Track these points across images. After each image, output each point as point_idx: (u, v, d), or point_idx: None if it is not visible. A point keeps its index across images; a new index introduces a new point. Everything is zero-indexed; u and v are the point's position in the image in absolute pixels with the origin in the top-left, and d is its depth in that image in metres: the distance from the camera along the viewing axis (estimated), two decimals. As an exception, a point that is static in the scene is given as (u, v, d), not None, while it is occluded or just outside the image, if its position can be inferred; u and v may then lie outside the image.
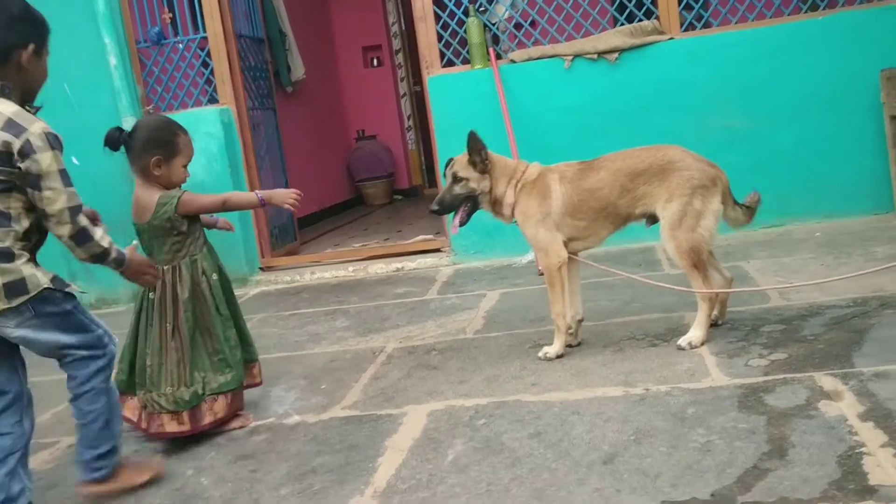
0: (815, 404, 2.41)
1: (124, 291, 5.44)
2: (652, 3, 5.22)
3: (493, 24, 5.55)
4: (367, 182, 9.57)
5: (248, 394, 3.10)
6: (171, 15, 5.92)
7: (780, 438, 2.22)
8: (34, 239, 2.32)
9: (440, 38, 5.45)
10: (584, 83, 5.20)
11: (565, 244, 3.19)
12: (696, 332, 3.09)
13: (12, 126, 2.17)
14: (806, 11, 5.10)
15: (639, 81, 5.13)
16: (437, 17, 5.44)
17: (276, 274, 5.79)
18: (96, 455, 2.43)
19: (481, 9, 5.50)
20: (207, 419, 2.86)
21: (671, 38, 5.13)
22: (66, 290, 2.32)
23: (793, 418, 2.34)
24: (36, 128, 2.19)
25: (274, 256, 6.06)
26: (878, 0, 5.01)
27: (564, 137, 5.10)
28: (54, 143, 2.22)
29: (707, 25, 5.30)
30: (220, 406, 2.88)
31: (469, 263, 5.38)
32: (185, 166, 2.92)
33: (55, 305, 2.30)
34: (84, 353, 2.38)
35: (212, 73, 5.84)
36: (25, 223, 2.26)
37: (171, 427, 2.82)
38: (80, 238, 2.27)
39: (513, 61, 5.32)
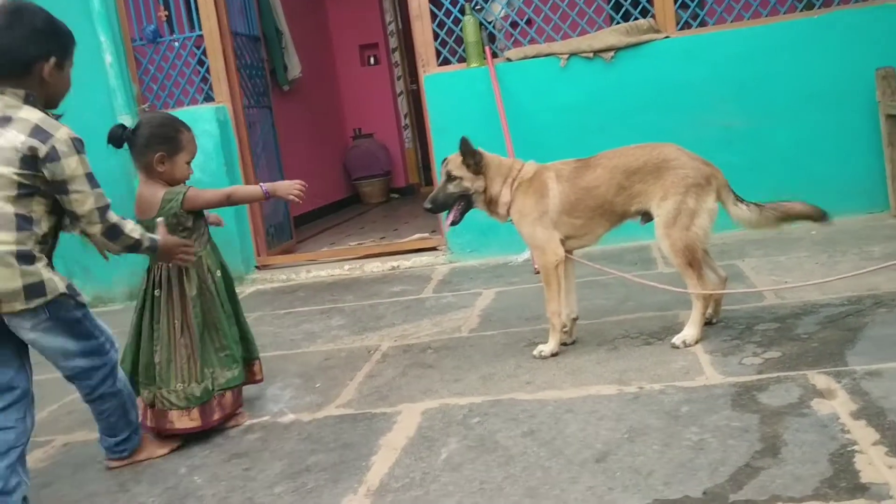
0: (808, 402, 2.41)
1: (120, 290, 5.44)
2: (648, 1, 5.22)
3: (490, 23, 5.55)
4: (363, 180, 9.56)
5: (244, 392, 3.10)
6: (166, 13, 5.91)
7: (772, 437, 2.22)
8: (50, 242, 2.42)
9: (436, 36, 5.45)
10: (579, 82, 5.20)
11: (562, 242, 3.20)
12: (690, 331, 3.09)
13: (39, 132, 2.27)
14: (802, 10, 5.10)
15: (635, 80, 5.13)
16: (434, 16, 5.43)
17: (272, 272, 5.79)
18: (117, 441, 2.67)
19: (477, 7, 5.50)
20: (217, 415, 2.87)
21: (667, 37, 5.14)
22: (78, 298, 2.43)
23: (786, 416, 2.34)
24: (61, 134, 2.30)
25: (270, 255, 6.06)
26: (873, -1, 5.02)
27: (560, 136, 5.10)
28: (79, 147, 2.32)
29: (703, 24, 5.31)
30: (227, 402, 2.90)
31: (465, 262, 5.38)
32: (188, 163, 2.93)
33: (68, 311, 2.40)
34: (85, 362, 2.49)
35: (207, 71, 5.83)
36: (45, 227, 2.35)
37: (182, 423, 2.81)
38: (112, 234, 2.43)
39: (509, 60, 5.32)
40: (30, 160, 2.26)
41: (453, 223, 3.30)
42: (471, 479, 2.24)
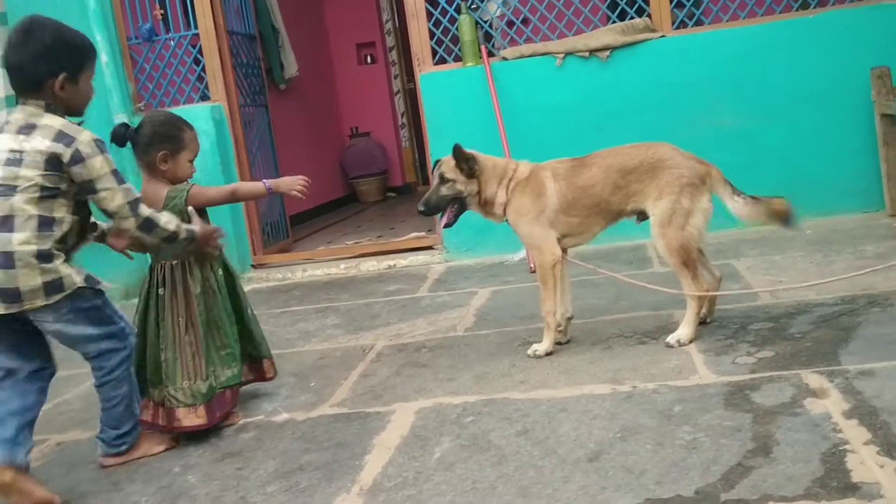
0: (800, 402, 2.42)
1: (116, 288, 5.41)
2: (644, 0, 5.22)
3: (485, 22, 5.55)
4: (360, 179, 9.56)
5: (245, 390, 3.13)
6: (162, 11, 5.91)
7: (765, 436, 2.23)
8: (71, 242, 2.53)
9: (432, 35, 5.45)
10: (575, 81, 5.20)
11: (558, 241, 3.20)
12: (684, 330, 3.10)
13: (62, 137, 2.40)
14: (797, 10, 5.11)
15: (631, 79, 5.14)
16: (430, 15, 5.43)
17: (268, 271, 5.79)
18: (118, 434, 2.69)
19: (473, 6, 5.50)
20: (219, 412, 2.88)
21: (663, 36, 5.14)
22: (97, 287, 2.55)
23: (778, 416, 2.34)
24: (84, 136, 2.43)
25: (266, 254, 6.06)
26: (868, -1, 5.03)
27: (556, 135, 5.10)
28: (102, 147, 2.45)
29: (699, 23, 5.31)
30: (227, 399, 2.92)
31: (461, 261, 5.38)
32: (191, 161, 2.96)
33: (87, 301, 2.53)
34: (108, 344, 2.61)
35: (203, 69, 5.83)
36: (66, 227, 2.46)
37: (189, 421, 2.81)
38: (147, 227, 2.55)
39: (505, 59, 5.33)
40: (54, 163, 2.39)
41: (447, 225, 3.29)
42: (464, 479, 2.25)
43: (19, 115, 2.47)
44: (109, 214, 2.50)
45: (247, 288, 5.48)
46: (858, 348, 2.79)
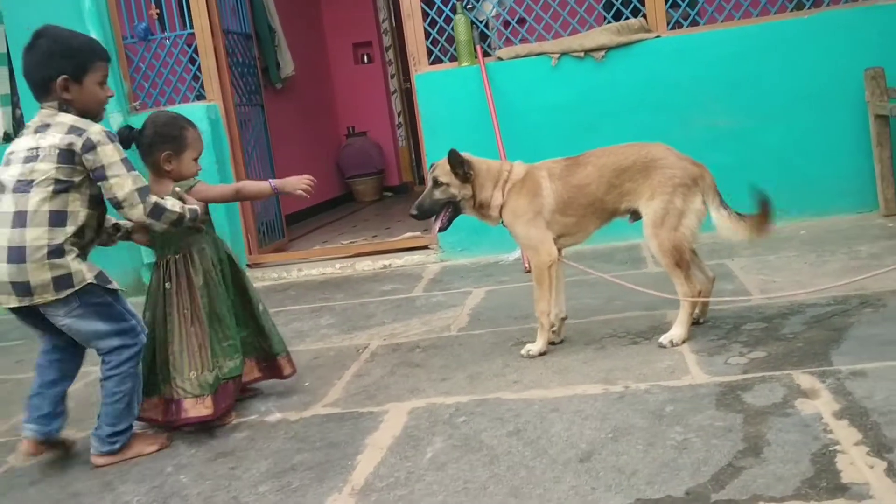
0: (791, 402, 2.42)
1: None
2: (639, 1, 5.23)
3: (481, 22, 5.55)
4: (356, 178, 9.56)
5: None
6: (157, 11, 5.90)
7: (755, 436, 2.23)
8: (87, 237, 2.64)
9: (428, 35, 5.45)
10: (570, 81, 5.20)
11: (554, 241, 3.20)
12: (677, 331, 3.10)
13: (74, 130, 2.53)
14: (792, 10, 5.12)
15: (625, 79, 5.14)
16: (425, 15, 5.44)
17: (264, 271, 5.79)
18: (114, 431, 2.70)
19: (469, 6, 5.50)
20: (224, 403, 2.90)
21: (658, 37, 5.15)
22: (108, 286, 2.63)
23: (769, 416, 2.35)
24: (95, 128, 2.56)
25: (261, 253, 6.06)
26: (862, 0, 5.03)
27: (551, 135, 5.10)
28: (113, 138, 2.57)
29: (694, 24, 5.32)
30: (230, 390, 2.94)
31: (456, 261, 5.38)
32: (195, 160, 2.99)
33: (97, 297, 2.61)
34: (118, 341, 2.66)
35: (199, 69, 5.82)
36: (80, 221, 2.57)
37: (197, 412, 2.83)
38: (156, 213, 2.62)
39: (500, 59, 5.33)
40: (67, 155, 2.51)
41: (441, 230, 3.27)
42: (455, 479, 2.25)
43: (37, 118, 2.63)
44: (118, 203, 2.57)
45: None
46: (850, 349, 2.79)
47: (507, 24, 5.73)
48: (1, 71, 6.14)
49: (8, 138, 6.07)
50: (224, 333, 2.95)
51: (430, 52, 5.47)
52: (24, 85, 5.92)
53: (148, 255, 5.66)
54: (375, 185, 9.63)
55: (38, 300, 2.52)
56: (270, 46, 7.67)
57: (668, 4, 5.20)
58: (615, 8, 5.32)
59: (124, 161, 2.57)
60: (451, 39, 5.44)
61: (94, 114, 2.68)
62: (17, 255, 2.48)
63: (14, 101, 6.14)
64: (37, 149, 2.53)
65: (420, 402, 2.89)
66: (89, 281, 2.56)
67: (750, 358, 2.84)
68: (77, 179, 2.54)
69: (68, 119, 2.56)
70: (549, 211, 3.17)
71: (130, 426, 2.76)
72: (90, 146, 2.51)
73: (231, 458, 2.64)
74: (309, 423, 2.85)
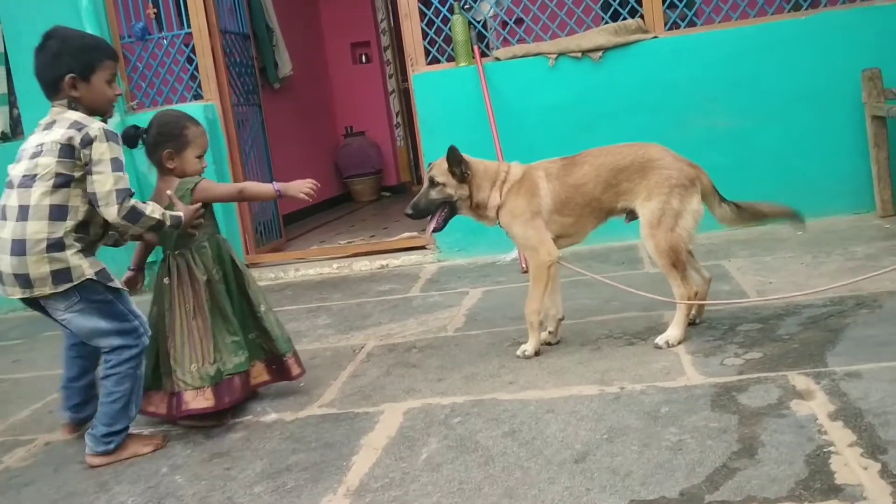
0: (786, 403, 2.42)
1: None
2: (636, 1, 5.23)
3: (479, 22, 5.55)
4: (354, 178, 9.56)
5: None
6: (155, 10, 5.90)
7: (750, 438, 2.23)
8: (93, 232, 2.68)
9: (425, 35, 5.45)
10: (567, 81, 5.20)
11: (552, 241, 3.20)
12: (673, 331, 3.10)
13: (76, 125, 2.59)
14: (789, 11, 5.12)
15: (622, 80, 5.14)
16: (423, 15, 5.44)
17: (261, 271, 5.78)
18: (109, 431, 2.71)
19: (466, 6, 5.50)
20: (227, 398, 2.91)
21: (655, 37, 5.15)
22: (109, 284, 2.67)
23: (764, 417, 2.35)
24: (95, 125, 2.60)
25: (259, 253, 6.06)
26: (860, 0, 5.04)
27: (548, 135, 5.11)
28: (111, 137, 2.60)
29: (691, 24, 5.32)
30: (236, 387, 2.94)
31: (453, 261, 5.38)
32: (199, 157, 3.01)
33: (98, 294, 2.64)
34: (119, 341, 2.68)
35: (196, 68, 5.82)
36: (80, 216, 2.60)
37: (197, 403, 2.85)
38: (131, 217, 2.61)
39: (497, 59, 5.33)
40: (68, 149, 2.55)
41: (435, 230, 3.24)
42: (450, 480, 2.25)
43: (48, 116, 2.69)
44: (97, 199, 2.57)
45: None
46: (845, 350, 2.80)
47: (504, 24, 5.73)
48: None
49: (5, 138, 6.06)
50: (228, 329, 2.97)
51: (427, 53, 5.47)
52: (21, 84, 5.96)
53: (151, 255, 5.66)
54: (373, 184, 9.63)
55: (37, 293, 2.57)
56: (268, 46, 7.67)
57: (666, 5, 5.20)
58: (612, 8, 5.32)
59: (114, 161, 2.58)
60: (448, 40, 5.44)
61: (102, 111, 2.74)
62: (18, 247, 2.54)
63: (11, 100, 6.13)
64: (41, 144, 2.60)
65: (416, 402, 2.89)
66: (88, 277, 2.59)
67: (745, 359, 2.84)
68: (77, 174, 2.58)
69: (74, 116, 2.62)
70: (546, 211, 3.17)
71: (126, 427, 2.76)
72: (87, 141, 2.56)
73: (226, 458, 2.64)
74: (305, 423, 2.85)
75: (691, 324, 3.23)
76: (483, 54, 5.35)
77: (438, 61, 5.52)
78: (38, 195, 2.56)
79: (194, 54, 5.80)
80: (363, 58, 9.96)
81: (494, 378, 3.02)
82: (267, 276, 5.68)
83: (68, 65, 2.64)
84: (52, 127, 2.62)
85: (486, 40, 5.84)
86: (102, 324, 2.66)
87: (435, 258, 5.48)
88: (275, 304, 4.77)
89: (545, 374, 2.99)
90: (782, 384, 2.57)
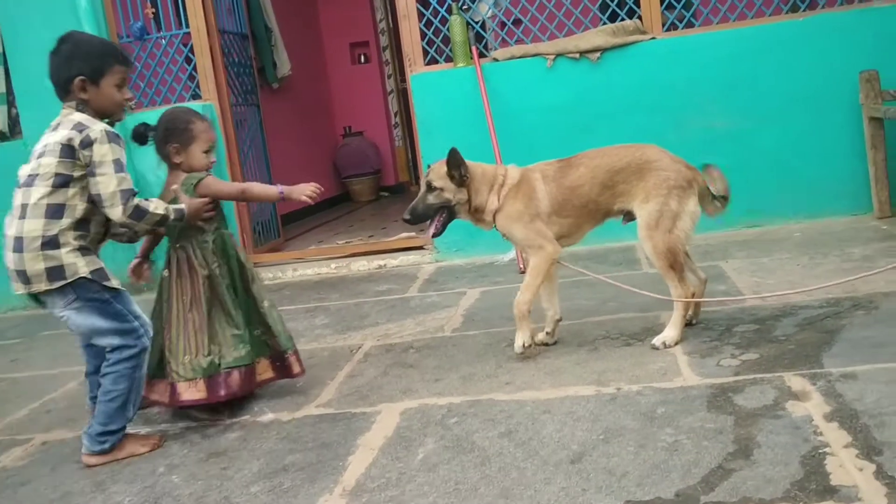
0: (782, 404, 2.43)
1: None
2: (634, 2, 5.23)
3: (477, 23, 5.56)
4: (353, 178, 9.56)
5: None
6: (153, 10, 5.90)
7: (746, 438, 2.24)
8: (93, 230, 2.72)
9: (423, 35, 5.45)
10: (566, 82, 5.21)
11: None
12: (670, 332, 3.11)
13: (79, 126, 2.63)
14: (787, 13, 5.13)
15: (620, 81, 5.15)
16: (421, 15, 5.44)
17: (259, 270, 5.76)
18: (104, 430, 2.72)
19: (464, 7, 5.51)
20: (223, 391, 2.93)
21: (653, 38, 5.15)
22: (106, 283, 2.69)
23: (760, 418, 2.35)
24: (97, 126, 2.64)
25: (257, 253, 6.05)
26: (858, 2, 5.05)
27: (546, 136, 5.11)
28: (112, 138, 2.64)
29: (689, 26, 5.32)
30: (234, 381, 2.95)
31: (451, 261, 5.39)
32: (205, 152, 3.04)
33: (94, 293, 2.67)
34: (117, 340, 2.70)
35: (195, 68, 5.82)
36: (77, 215, 2.64)
37: (189, 395, 2.89)
38: (136, 214, 2.66)
39: (495, 60, 5.33)
40: (68, 149, 2.60)
41: (434, 235, 3.23)
42: (446, 480, 2.25)
43: (58, 117, 2.74)
44: (101, 200, 2.62)
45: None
46: (841, 351, 2.80)
47: (502, 25, 5.73)
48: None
49: (3, 137, 6.06)
50: (230, 323, 2.99)
51: (425, 53, 5.47)
52: (20, 84, 5.95)
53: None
54: (372, 184, 9.63)
55: (34, 289, 2.63)
56: (267, 46, 7.67)
57: (664, 6, 5.20)
58: (610, 9, 5.33)
59: (116, 162, 2.62)
60: (446, 40, 5.44)
61: (110, 114, 2.78)
62: (18, 244, 2.62)
63: (10, 99, 6.12)
64: (46, 145, 2.65)
65: (412, 402, 2.89)
66: (83, 275, 2.63)
67: (742, 360, 2.85)
68: (77, 174, 2.62)
69: (78, 117, 2.66)
70: (545, 213, 3.17)
71: (123, 428, 2.76)
72: (87, 143, 2.59)
73: (223, 458, 2.64)
74: (301, 423, 2.85)
75: (688, 324, 3.24)
76: (481, 55, 5.35)
77: (437, 62, 5.52)
78: (38, 194, 2.61)
79: (193, 54, 5.80)
80: (362, 58, 9.96)
81: (491, 378, 3.02)
82: (265, 275, 5.68)
83: (78, 68, 2.70)
84: (58, 128, 2.68)
85: (484, 41, 5.85)
86: (100, 322, 2.68)
87: (433, 258, 5.48)
88: (272, 304, 4.81)
89: (542, 374, 2.99)
90: (778, 385, 2.58)
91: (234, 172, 5.89)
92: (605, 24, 5.29)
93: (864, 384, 2.49)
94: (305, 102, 8.98)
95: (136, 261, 3.11)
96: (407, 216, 3.21)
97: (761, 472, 2.04)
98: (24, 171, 2.69)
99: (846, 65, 4.85)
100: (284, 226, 7.07)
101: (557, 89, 5.21)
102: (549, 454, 2.31)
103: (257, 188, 3.33)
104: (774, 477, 2.01)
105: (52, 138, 2.65)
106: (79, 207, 2.64)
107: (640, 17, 5.22)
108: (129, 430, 2.84)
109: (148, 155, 3.18)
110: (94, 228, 2.72)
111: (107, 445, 2.72)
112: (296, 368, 3.15)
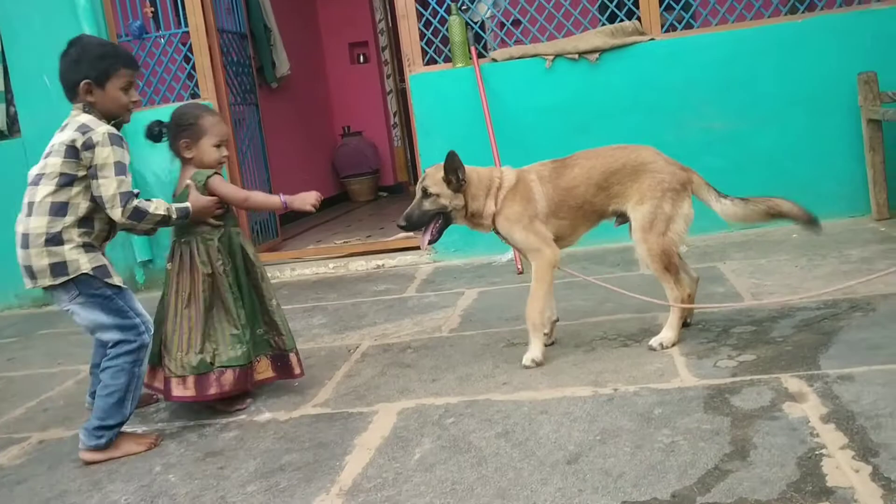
0: (779, 406, 2.43)
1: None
2: (633, 3, 5.24)
3: (476, 23, 5.56)
4: (352, 178, 9.56)
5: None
6: (152, 9, 5.89)
7: (742, 440, 2.24)
8: (98, 228, 2.78)
9: (422, 35, 5.45)
10: (564, 83, 5.21)
11: None
12: (667, 333, 3.11)
13: (83, 128, 2.70)
14: (785, 14, 5.13)
15: (619, 82, 5.15)
16: (420, 15, 5.44)
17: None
18: (101, 425, 2.73)
19: (463, 7, 5.51)
20: (213, 390, 2.94)
21: (652, 39, 5.16)
22: (107, 280, 2.75)
23: (757, 420, 2.36)
24: (101, 129, 2.70)
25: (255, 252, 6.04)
26: (856, 4, 5.05)
27: (545, 136, 5.11)
28: (115, 140, 2.70)
29: (688, 27, 5.33)
30: (227, 380, 2.96)
31: (449, 261, 5.39)
32: (216, 146, 3.06)
33: (96, 289, 2.74)
34: (118, 336, 2.76)
35: (193, 67, 5.82)
36: (80, 213, 2.71)
37: (178, 392, 2.94)
38: (136, 216, 2.73)
39: (494, 60, 5.33)
40: (71, 150, 2.68)
41: (430, 242, 3.17)
42: (443, 480, 2.25)
43: (67, 118, 2.80)
44: (102, 202, 2.69)
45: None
46: (839, 352, 2.80)
47: (501, 25, 5.74)
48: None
49: (2, 135, 6.05)
50: (230, 322, 3.00)
51: (424, 53, 5.47)
52: (18, 82, 5.95)
53: (141, 254, 5.66)
54: (370, 184, 9.64)
55: (40, 284, 2.72)
56: (266, 45, 7.67)
57: (663, 7, 5.21)
58: (609, 10, 5.33)
59: (117, 164, 2.69)
60: (445, 40, 5.44)
61: (116, 116, 2.84)
62: (25, 241, 2.71)
63: (8, 98, 6.12)
64: (53, 145, 2.73)
65: (410, 402, 2.89)
66: (84, 271, 2.70)
67: (739, 361, 2.85)
68: (80, 174, 2.69)
69: (83, 119, 2.73)
70: (542, 214, 3.16)
71: (120, 424, 2.77)
72: (89, 145, 2.66)
73: (220, 457, 2.64)
74: (298, 423, 2.85)
75: (684, 325, 3.24)
76: (480, 55, 5.35)
77: (435, 62, 5.52)
78: (43, 192, 2.69)
79: (191, 53, 5.79)
80: (361, 58, 9.96)
81: (488, 379, 3.02)
82: (263, 275, 5.67)
83: (84, 71, 2.76)
84: (65, 129, 2.75)
85: (483, 41, 5.85)
86: (103, 318, 2.75)
87: (431, 258, 5.48)
88: (270, 304, 4.81)
89: (539, 375, 2.99)
90: (775, 386, 2.58)
91: (232, 172, 5.89)
92: (603, 24, 5.29)
93: (860, 386, 2.49)
94: (304, 102, 8.98)
95: None
96: (402, 223, 3.15)
97: (757, 474, 2.04)
98: (33, 171, 2.77)
99: (844, 66, 4.86)
100: (282, 225, 7.07)
101: (556, 90, 5.21)
102: (545, 454, 2.31)
103: (260, 197, 3.31)
104: (771, 478, 2.01)
105: (59, 139, 2.73)
106: (82, 206, 2.71)
107: (638, 19, 5.22)
108: (126, 429, 2.84)
109: (157, 153, 3.20)
110: (99, 226, 2.79)
111: (103, 441, 2.73)
112: (296, 370, 3.15)
